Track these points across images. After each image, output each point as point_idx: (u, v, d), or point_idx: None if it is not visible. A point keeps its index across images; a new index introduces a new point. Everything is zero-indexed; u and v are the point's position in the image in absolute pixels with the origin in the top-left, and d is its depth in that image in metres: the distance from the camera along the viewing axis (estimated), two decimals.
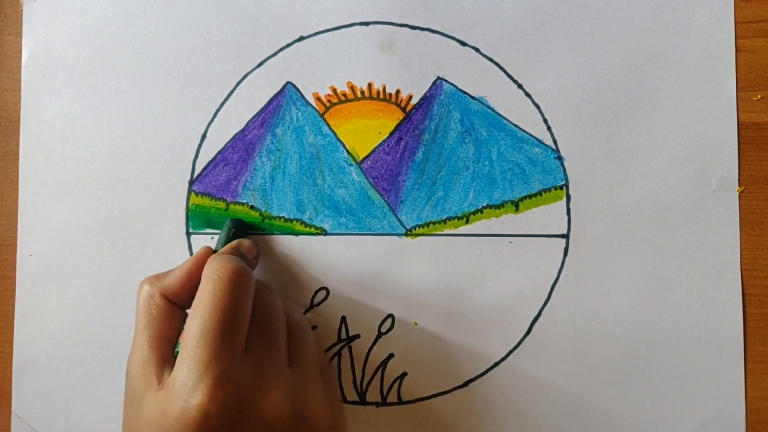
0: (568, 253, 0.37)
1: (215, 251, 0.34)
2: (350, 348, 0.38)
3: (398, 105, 0.38)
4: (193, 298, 0.32)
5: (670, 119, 0.38)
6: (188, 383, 0.28)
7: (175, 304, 0.32)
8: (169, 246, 0.38)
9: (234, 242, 0.35)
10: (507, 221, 0.38)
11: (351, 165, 0.38)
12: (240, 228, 0.37)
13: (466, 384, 0.37)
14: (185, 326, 0.29)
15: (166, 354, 0.31)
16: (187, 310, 0.33)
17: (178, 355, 0.29)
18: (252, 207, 0.38)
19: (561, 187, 0.38)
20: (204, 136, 0.38)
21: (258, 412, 0.28)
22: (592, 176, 0.38)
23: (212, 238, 0.38)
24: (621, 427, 0.37)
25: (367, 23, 0.38)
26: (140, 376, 0.30)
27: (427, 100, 0.38)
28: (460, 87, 0.38)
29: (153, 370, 0.30)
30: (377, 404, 0.38)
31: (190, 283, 0.32)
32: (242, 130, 0.38)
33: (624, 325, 0.37)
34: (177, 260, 0.38)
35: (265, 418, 0.28)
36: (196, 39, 0.39)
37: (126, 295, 0.38)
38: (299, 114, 0.38)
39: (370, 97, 0.38)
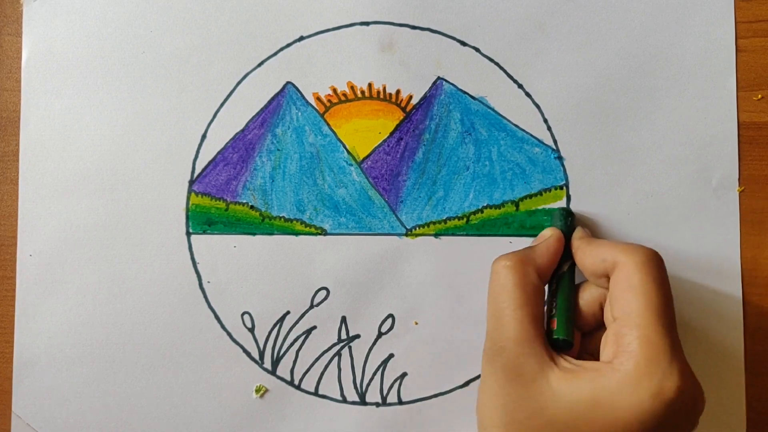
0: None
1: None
2: (350, 348, 0.38)
3: (398, 105, 0.38)
4: (549, 278, 0.33)
5: (670, 119, 0.38)
6: (659, 364, 0.27)
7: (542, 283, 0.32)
8: (169, 246, 0.38)
9: (583, 230, 0.35)
10: (507, 221, 0.38)
11: (351, 165, 0.38)
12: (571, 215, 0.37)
13: (466, 384, 0.37)
14: (624, 307, 0.29)
15: (544, 336, 0.30)
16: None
17: (631, 337, 0.28)
18: (252, 207, 0.38)
19: (561, 187, 0.38)
20: (204, 136, 0.38)
21: (700, 397, 0.28)
22: (592, 176, 0.38)
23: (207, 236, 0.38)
24: None
25: (367, 23, 0.38)
26: (529, 355, 0.29)
27: (427, 100, 0.38)
28: (460, 87, 0.38)
29: (543, 350, 0.29)
30: (377, 404, 0.38)
31: (556, 264, 0.33)
32: (242, 130, 0.38)
33: None
34: (177, 260, 0.38)
35: (700, 401, 0.28)
36: (196, 39, 0.39)
37: (126, 294, 0.38)
38: (299, 114, 0.38)
39: (370, 97, 0.38)
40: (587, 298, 0.33)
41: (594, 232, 0.37)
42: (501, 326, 0.30)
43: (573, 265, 0.34)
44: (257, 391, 0.37)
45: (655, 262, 0.30)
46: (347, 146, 0.38)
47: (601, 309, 0.32)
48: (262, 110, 0.38)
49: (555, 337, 0.31)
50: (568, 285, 0.33)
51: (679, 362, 0.27)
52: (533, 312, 0.30)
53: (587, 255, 0.32)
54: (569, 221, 0.36)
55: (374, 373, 0.38)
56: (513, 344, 0.29)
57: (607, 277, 0.31)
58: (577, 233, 0.35)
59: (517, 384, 0.29)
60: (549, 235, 0.34)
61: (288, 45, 0.38)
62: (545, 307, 0.32)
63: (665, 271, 0.30)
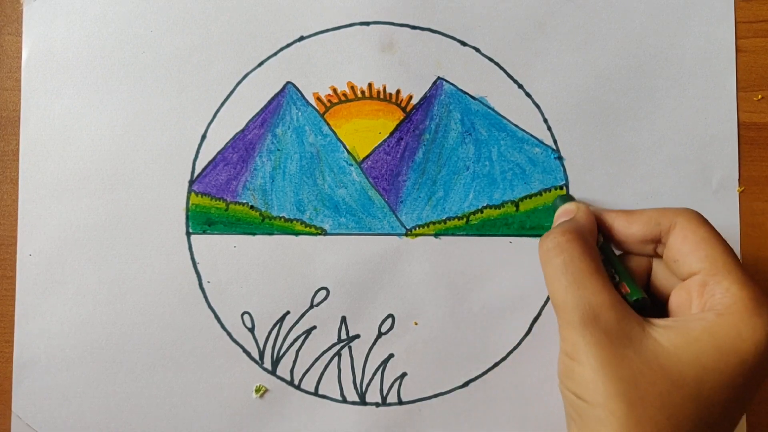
0: None
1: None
2: (350, 348, 0.38)
3: (398, 105, 0.38)
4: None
5: (670, 119, 0.38)
6: (765, 302, 0.27)
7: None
8: (169, 246, 0.38)
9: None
10: (507, 221, 0.38)
11: (351, 165, 0.38)
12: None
13: (466, 384, 0.37)
14: (707, 257, 0.29)
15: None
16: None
17: (728, 282, 0.28)
18: (252, 207, 0.38)
19: (561, 187, 0.38)
20: (204, 136, 0.38)
21: None
22: (592, 176, 0.38)
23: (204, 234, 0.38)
24: None
25: (367, 23, 0.38)
26: (628, 316, 0.28)
27: (427, 100, 0.38)
28: (460, 87, 0.38)
29: (630, 309, 0.29)
30: (377, 404, 0.38)
31: (596, 231, 0.33)
32: (242, 130, 0.38)
33: None
34: (177, 260, 0.38)
35: None
36: (196, 39, 0.39)
37: (126, 294, 0.38)
38: (299, 114, 0.38)
39: (371, 97, 0.38)
40: (632, 268, 0.33)
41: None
42: (585, 294, 0.29)
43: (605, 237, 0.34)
44: (257, 391, 0.37)
45: (706, 220, 0.30)
46: (347, 146, 0.38)
47: (645, 277, 0.33)
48: (262, 110, 0.38)
49: (634, 298, 0.30)
50: (614, 254, 0.33)
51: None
52: (606, 277, 0.30)
53: (634, 222, 0.32)
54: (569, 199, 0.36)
55: (374, 373, 0.38)
56: (607, 309, 0.28)
57: (656, 243, 0.31)
58: (597, 209, 0.34)
59: (627, 347, 0.27)
60: (576, 207, 0.34)
61: (288, 45, 0.38)
62: None
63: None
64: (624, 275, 0.31)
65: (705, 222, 0.30)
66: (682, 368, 0.27)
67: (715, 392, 0.27)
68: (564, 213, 0.35)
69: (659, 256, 0.32)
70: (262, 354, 0.38)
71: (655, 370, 0.27)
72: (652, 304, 0.32)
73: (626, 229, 0.32)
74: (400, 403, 0.38)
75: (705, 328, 0.27)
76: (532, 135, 0.38)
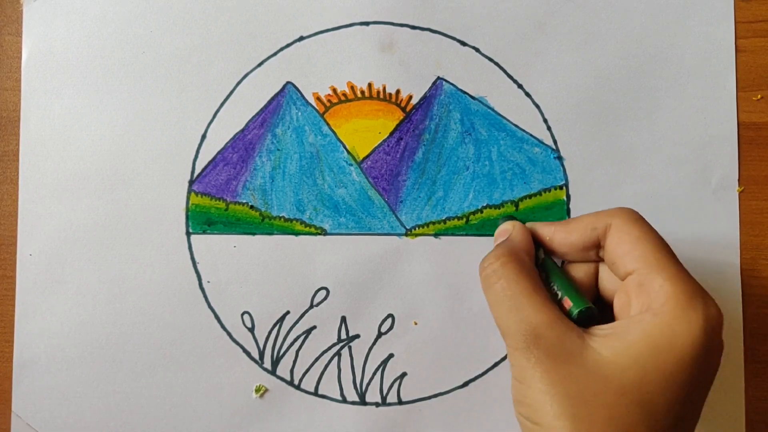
0: None
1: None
2: (350, 348, 0.38)
3: (398, 105, 0.38)
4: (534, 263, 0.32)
5: (670, 119, 0.38)
6: (697, 297, 0.27)
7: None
8: (169, 246, 0.38)
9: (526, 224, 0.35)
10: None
11: (351, 165, 0.38)
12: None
13: (465, 384, 0.37)
14: (639, 257, 0.29)
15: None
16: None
17: (660, 279, 0.28)
18: (252, 207, 0.38)
19: (561, 187, 0.38)
20: (204, 136, 0.38)
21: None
22: (592, 176, 0.38)
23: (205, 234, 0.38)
24: None
25: (367, 23, 0.38)
26: (568, 332, 0.28)
27: (427, 100, 0.38)
28: (460, 87, 0.38)
29: (574, 325, 0.29)
30: (377, 404, 0.38)
31: (533, 249, 0.33)
32: (242, 130, 0.38)
33: None
34: (177, 260, 0.38)
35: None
36: (196, 39, 0.39)
37: (126, 294, 0.38)
38: (299, 114, 0.38)
39: (370, 97, 0.38)
40: (578, 276, 0.33)
41: None
42: (524, 316, 0.29)
43: (546, 252, 0.34)
44: (257, 390, 0.37)
45: (641, 218, 0.30)
46: (347, 146, 0.38)
47: (594, 282, 0.33)
48: (262, 110, 0.38)
49: (577, 311, 0.30)
50: (556, 267, 0.33)
51: (704, 291, 0.28)
52: (545, 295, 0.30)
53: (572, 231, 0.32)
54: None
55: (374, 373, 0.38)
56: (546, 328, 0.28)
57: (596, 248, 0.31)
58: (538, 224, 0.34)
59: (569, 364, 0.27)
60: (512, 226, 0.34)
61: (288, 45, 0.38)
62: None
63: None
64: (566, 288, 0.31)
65: (639, 220, 0.30)
66: (623, 375, 0.26)
67: (658, 395, 0.26)
68: (500, 234, 0.35)
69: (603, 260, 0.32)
70: (262, 354, 0.38)
71: (598, 382, 0.27)
72: (605, 311, 0.32)
73: (566, 240, 0.32)
74: (400, 403, 0.38)
75: (641, 330, 0.27)
76: (531, 135, 0.38)
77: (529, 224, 0.34)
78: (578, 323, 0.29)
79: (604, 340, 0.28)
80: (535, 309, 0.29)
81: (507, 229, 0.34)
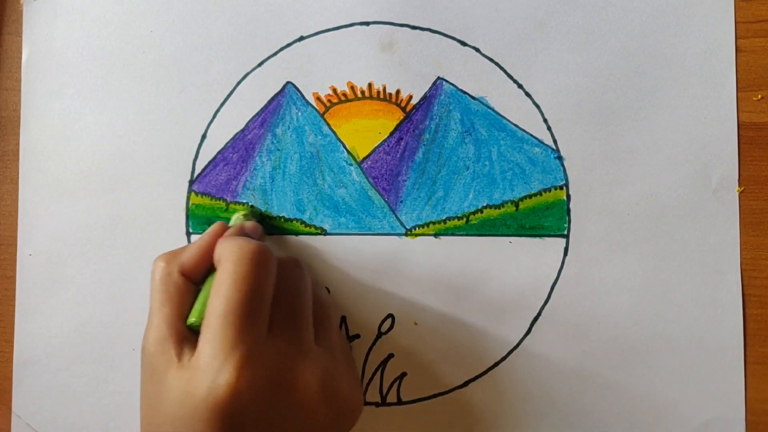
0: (568, 253, 0.37)
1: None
2: (350, 348, 0.38)
3: (398, 105, 0.38)
4: (206, 274, 0.32)
5: (670, 119, 0.38)
6: (214, 362, 0.28)
7: (190, 280, 0.32)
8: (169, 246, 0.38)
9: (238, 224, 0.35)
10: (507, 221, 0.38)
11: (351, 165, 0.38)
12: (258, 215, 0.37)
13: (465, 384, 0.37)
14: (209, 306, 0.29)
15: (183, 331, 0.30)
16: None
17: (202, 335, 0.29)
18: (252, 207, 0.38)
19: (561, 187, 0.38)
20: (204, 136, 0.38)
21: (287, 390, 0.28)
22: (592, 176, 0.38)
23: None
24: (620, 427, 0.37)
25: (367, 23, 0.38)
26: (159, 354, 0.30)
27: (427, 100, 0.38)
28: (460, 87, 0.38)
29: (172, 347, 0.30)
30: (377, 404, 0.38)
31: (207, 259, 0.32)
32: (242, 130, 0.38)
33: (624, 325, 0.37)
34: None
35: (294, 395, 0.29)
36: (196, 39, 0.39)
37: (126, 294, 0.38)
38: (299, 114, 0.38)
39: (370, 97, 0.38)
40: None
41: (594, 232, 0.37)
42: (147, 326, 0.31)
43: None
44: None
45: (252, 257, 0.30)
46: (347, 146, 0.38)
47: None
48: (262, 110, 0.38)
49: (187, 323, 0.31)
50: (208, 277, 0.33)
51: (240, 356, 0.28)
52: (174, 311, 0.31)
53: (214, 251, 0.32)
54: (248, 218, 0.36)
55: (374, 373, 0.38)
56: (150, 345, 0.30)
57: None
58: (229, 231, 0.34)
59: (151, 381, 0.30)
60: (207, 230, 0.34)
61: (288, 45, 0.38)
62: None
63: (263, 265, 0.30)
64: (199, 298, 0.32)
65: (234, 264, 0.29)
66: (170, 405, 0.28)
67: None
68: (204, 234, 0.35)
69: None
70: None
71: (159, 403, 0.29)
72: None
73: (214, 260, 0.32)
74: (400, 403, 0.38)
75: (182, 377, 0.28)
76: (531, 135, 0.38)
77: (231, 229, 0.34)
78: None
79: (178, 370, 0.29)
80: (152, 325, 0.31)
81: (205, 232, 0.34)
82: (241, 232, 0.34)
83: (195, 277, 0.32)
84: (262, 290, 0.29)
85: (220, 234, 0.33)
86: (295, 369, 0.29)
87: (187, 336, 0.30)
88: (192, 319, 0.31)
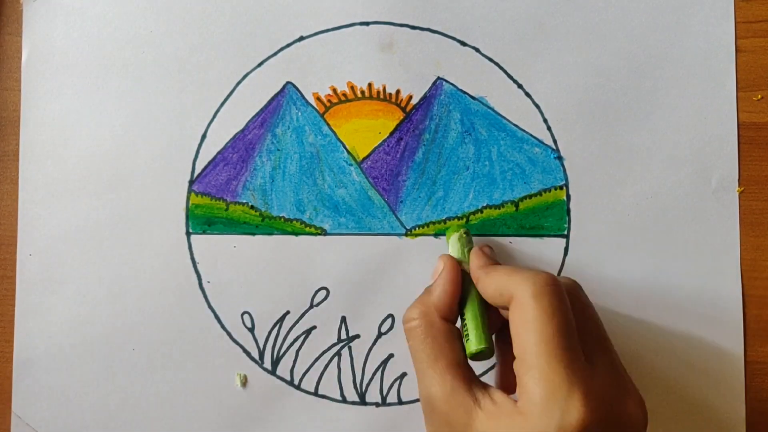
0: (568, 253, 0.37)
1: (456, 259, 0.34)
2: (350, 348, 0.38)
3: (398, 105, 0.38)
4: (457, 311, 0.32)
5: (670, 119, 0.38)
6: (555, 403, 0.26)
7: (448, 321, 0.32)
8: (169, 246, 0.38)
9: (477, 249, 0.34)
10: (507, 221, 0.38)
11: (351, 165, 0.38)
12: (469, 233, 0.36)
13: None
14: (519, 347, 0.28)
15: (467, 376, 0.30)
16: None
17: (524, 377, 0.28)
18: (252, 207, 0.38)
19: (561, 187, 0.38)
20: (204, 136, 0.38)
21: (623, 419, 0.28)
22: (592, 176, 0.38)
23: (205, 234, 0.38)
24: None
25: (367, 23, 0.38)
26: (457, 408, 0.29)
27: (427, 100, 0.38)
28: (460, 87, 0.38)
29: (467, 396, 0.29)
30: (377, 404, 0.38)
31: (457, 294, 0.32)
32: (242, 130, 0.38)
33: (624, 325, 0.37)
34: (177, 260, 0.38)
35: (628, 423, 0.28)
36: (196, 39, 0.39)
37: (126, 294, 0.38)
38: (299, 114, 0.38)
39: (370, 97, 0.38)
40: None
41: (594, 232, 0.37)
42: (426, 384, 0.30)
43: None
44: (239, 378, 0.37)
45: (549, 290, 0.29)
46: (347, 146, 0.38)
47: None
48: (262, 110, 0.38)
49: (469, 352, 0.31)
50: (473, 301, 0.32)
51: (581, 392, 0.27)
52: (450, 360, 0.30)
53: (487, 287, 0.31)
54: (467, 241, 0.35)
55: (374, 373, 0.38)
56: (438, 401, 0.29)
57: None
58: (475, 261, 0.33)
59: None
60: (441, 268, 0.33)
61: (288, 45, 0.38)
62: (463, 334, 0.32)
63: (561, 296, 0.29)
64: (475, 321, 0.31)
65: (535, 299, 0.28)
66: None
67: None
68: (435, 270, 0.34)
69: None
70: (262, 354, 0.38)
71: None
72: None
73: (483, 292, 0.32)
74: (400, 403, 0.38)
75: (506, 424, 0.28)
76: (531, 135, 0.38)
77: (474, 251, 0.34)
78: (480, 358, 0.31)
79: (485, 417, 0.28)
80: (434, 379, 0.30)
81: (437, 269, 0.34)
82: (487, 259, 0.33)
83: (452, 316, 0.32)
84: (571, 322, 0.29)
85: (457, 268, 0.33)
86: (622, 397, 0.28)
87: (474, 379, 0.30)
88: (481, 345, 0.30)
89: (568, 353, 0.27)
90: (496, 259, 0.35)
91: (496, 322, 0.33)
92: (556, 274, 0.37)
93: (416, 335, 0.31)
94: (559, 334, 0.28)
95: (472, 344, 0.31)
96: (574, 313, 0.29)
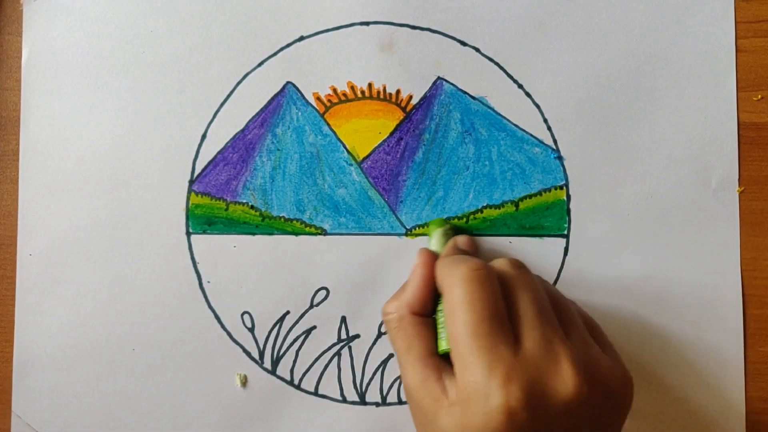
0: (568, 253, 0.37)
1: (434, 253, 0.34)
2: (350, 348, 0.38)
3: (398, 105, 0.38)
4: (433, 303, 0.32)
5: (670, 119, 0.38)
6: (479, 389, 0.27)
7: (422, 315, 0.32)
8: (169, 246, 0.38)
9: (450, 241, 0.35)
10: (507, 221, 0.38)
11: (351, 165, 0.38)
12: (453, 228, 0.37)
13: None
14: (450, 335, 0.29)
15: (439, 364, 0.30)
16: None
17: (455, 367, 0.29)
18: (252, 207, 0.38)
19: (561, 187, 0.38)
20: (204, 136, 0.38)
21: (554, 392, 0.28)
22: (592, 176, 0.38)
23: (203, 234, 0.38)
24: None
25: (367, 23, 0.38)
26: (426, 397, 0.29)
27: (427, 100, 0.38)
28: (460, 87, 0.38)
29: (436, 386, 0.29)
30: (377, 404, 0.38)
31: (430, 291, 0.33)
32: (242, 130, 0.38)
33: (624, 325, 0.37)
34: (177, 260, 0.38)
35: (562, 395, 0.28)
36: (196, 39, 0.39)
37: (126, 294, 0.38)
38: (299, 114, 0.38)
39: (370, 97, 0.38)
40: None
41: (594, 232, 0.37)
42: (402, 373, 0.31)
43: None
44: (238, 378, 0.37)
45: (473, 279, 0.29)
46: (347, 146, 0.38)
47: None
48: (262, 110, 0.38)
49: (440, 350, 0.31)
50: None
51: (501, 375, 0.27)
52: (421, 351, 0.31)
53: (435, 278, 0.32)
54: (449, 236, 0.36)
55: (374, 373, 0.38)
56: (411, 390, 0.30)
57: None
58: (445, 251, 0.34)
59: (425, 423, 0.30)
60: (417, 262, 0.34)
61: (288, 45, 0.38)
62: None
63: (482, 282, 0.29)
64: (441, 325, 0.32)
65: (458, 287, 0.29)
66: None
67: None
68: (414, 267, 0.34)
69: None
70: (262, 354, 0.38)
71: None
72: None
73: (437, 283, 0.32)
74: (400, 403, 0.38)
75: (453, 412, 0.28)
76: (531, 135, 0.38)
77: (448, 244, 0.35)
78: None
79: (448, 407, 0.29)
80: (407, 369, 0.31)
81: (415, 264, 0.34)
82: (456, 250, 0.34)
83: (425, 311, 0.33)
84: (497, 306, 0.29)
85: (431, 261, 0.33)
86: (555, 370, 0.28)
87: (445, 367, 0.30)
88: (445, 346, 0.31)
89: (491, 338, 0.28)
90: (474, 250, 0.35)
91: None
92: (556, 274, 0.37)
93: (391, 328, 0.32)
94: (482, 321, 0.28)
95: (443, 343, 0.31)
96: (506, 294, 0.30)
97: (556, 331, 0.30)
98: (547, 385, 0.28)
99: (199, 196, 0.38)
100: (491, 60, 0.38)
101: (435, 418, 0.29)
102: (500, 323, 0.29)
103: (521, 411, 0.27)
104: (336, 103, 0.38)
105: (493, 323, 0.28)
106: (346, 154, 0.38)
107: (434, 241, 0.36)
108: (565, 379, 0.28)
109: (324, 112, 0.38)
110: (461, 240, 0.36)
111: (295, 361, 0.38)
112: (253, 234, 0.38)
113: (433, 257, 0.34)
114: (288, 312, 0.38)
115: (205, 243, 0.38)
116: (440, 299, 0.32)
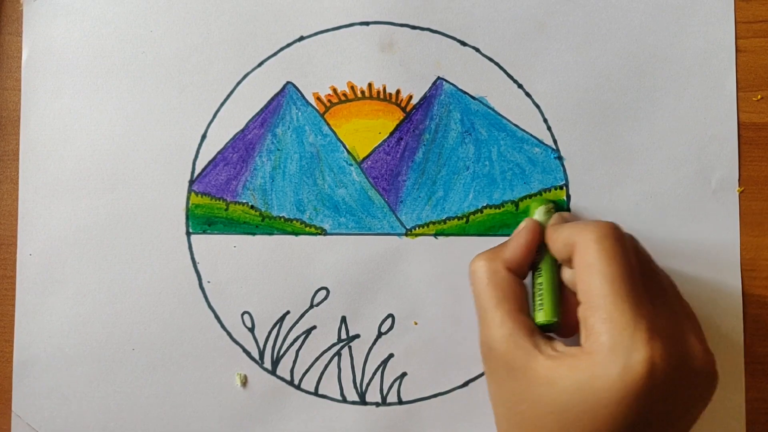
0: None
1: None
2: (350, 348, 0.38)
3: (398, 105, 0.38)
4: (528, 268, 0.33)
5: (670, 119, 0.38)
6: (622, 342, 0.27)
7: (516, 275, 0.32)
8: (169, 246, 0.38)
9: (557, 214, 0.35)
10: (507, 221, 0.38)
11: (351, 165, 0.38)
12: (556, 206, 0.37)
13: (465, 384, 0.37)
14: (584, 289, 0.29)
15: (531, 325, 0.30)
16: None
17: (590, 318, 0.28)
18: (252, 207, 0.38)
19: (561, 187, 0.38)
20: (204, 136, 0.38)
21: (690, 359, 0.28)
22: (591, 176, 0.38)
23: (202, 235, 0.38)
24: None
25: (367, 23, 0.38)
26: (514, 350, 0.29)
27: (427, 100, 0.38)
28: (460, 87, 0.38)
29: (527, 341, 0.29)
30: (377, 404, 0.38)
31: (530, 254, 0.32)
32: (242, 130, 0.38)
33: None
34: (177, 260, 0.38)
35: (692, 364, 0.28)
36: (196, 39, 0.39)
37: (126, 294, 0.38)
38: (299, 114, 0.38)
39: (370, 97, 0.38)
40: (569, 279, 0.33)
41: None
42: (486, 326, 0.31)
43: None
44: (238, 378, 0.37)
45: (611, 235, 0.29)
46: (347, 146, 0.38)
47: None
48: (262, 110, 0.38)
49: (537, 322, 0.31)
50: (549, 270, 0.33)
51: (646, 330, 0.27)
52: (512, 306, 0.31)
53: (555, 240, 0.32)
54: (553, 212, 0.36)
55: (374, 373, 0.38)
56: (498, 343, 0.30)
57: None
58: (552, 220, 0.34)
59: (510, 378, 0.29)
60: (522, 226, 0.34)
61: (288, 45, 0.38)
62: (531, 296, 0.33)
63: (623, 241, 0.29)
64: (540, 295, 0.32)
65: (598, 243, 0.29)
66: (551, 399, 0.28)
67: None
68: (517, 230, 0.34)
69: None
70: (262, 354, 0.38)
71: (531, 399, 0.28)
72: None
73: (551, 249, 0.32)
74: (400, 403, 0.38)
75: (570, 365, 0.28)
76: (531, 135, 0.38)
77: (554, 218, 0.34)
78: (546, 330, 0.31)
79: (547, 361, 0.28)
80: (493, 322, 0.30)
81: (519, 228, 0.34)
82: (562, 220, 0.34)
83: (520, 272, 0.32)
84: (634, 265, 0.29)
85: (538, 229, 0.33)
86: (686, 337, 0.28)
87: (535, 329, 0.30)
88: (547, 317, 0.31)
89: (633, 293, 0.28)
90: None
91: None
92: None
93: (480, 279, 0.32)
94: (623, 275, 0.28)
95: (545, 314, 0.31)
96: (640, 259, 0.30)
97: (682, 305, 0.31)
98: (682, 352, 0.28)
99: (199, 196, 0.38)
100: (491, 60, 0.38)
101: (528, 372, 0.28)
102: (639, 282, 0.29)
103: (662, 369, 0.27)
104: (336, 103, 0.38)
105: (635, 279, 0.28)
106: (346, 154, 0.38)
107: (538, 215, 0.35)
108: (695, 351, 0.28)
109: (324, 112, 0.38)
110: (567, 215, 0.35)
111: (295, 361, 0.38)
112: (253, 234, 0.38)
113: (539, 225, 0.34)
114: (288, 312, 0.38)
115: (205, 243, 0.38)
116: (537, 272, 0.33)
